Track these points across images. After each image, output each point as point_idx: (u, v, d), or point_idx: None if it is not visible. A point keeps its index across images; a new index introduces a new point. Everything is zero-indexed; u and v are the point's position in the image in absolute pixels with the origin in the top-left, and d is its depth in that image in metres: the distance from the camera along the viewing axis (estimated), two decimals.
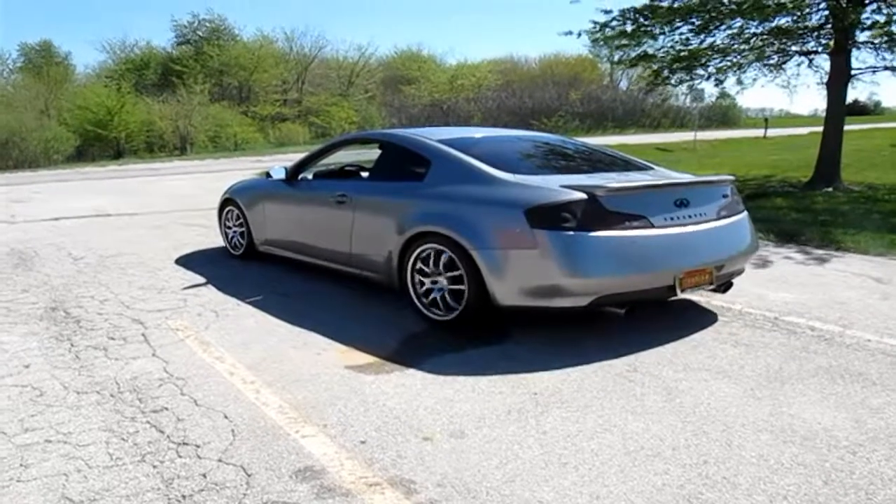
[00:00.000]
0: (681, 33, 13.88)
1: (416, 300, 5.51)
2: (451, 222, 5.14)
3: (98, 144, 36.25)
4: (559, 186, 4.87)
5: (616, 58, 35.69)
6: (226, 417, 3.72)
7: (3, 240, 10.09)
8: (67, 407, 3.95)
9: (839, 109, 13.34)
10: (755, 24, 13.11)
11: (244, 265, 7.66)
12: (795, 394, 3.90)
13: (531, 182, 5.10)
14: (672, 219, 4.93)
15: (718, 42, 13.82)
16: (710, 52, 13.82)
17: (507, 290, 4.88)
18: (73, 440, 3.52)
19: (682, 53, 13.97)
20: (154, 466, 3.21)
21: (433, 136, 6.15)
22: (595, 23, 14.22)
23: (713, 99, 41.10)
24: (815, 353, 4.58)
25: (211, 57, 46.21)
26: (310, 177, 7.30)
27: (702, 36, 13.66)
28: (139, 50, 48.18)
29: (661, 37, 14.33)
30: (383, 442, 3.40)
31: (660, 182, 5.27)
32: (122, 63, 46.89)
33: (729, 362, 4.42)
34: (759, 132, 39.05)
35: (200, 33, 48.85)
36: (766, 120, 42.73)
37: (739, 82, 14.78)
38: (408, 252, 5.48)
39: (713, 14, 12.86)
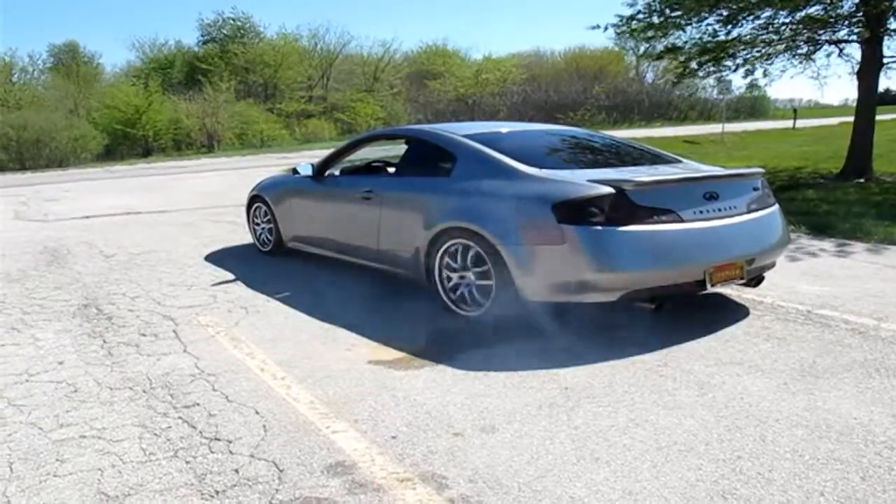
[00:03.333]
0: (708, 24, 13.72)
1: (443, 295, 5.50)
2: (477, 217, 5.12)
3: (126, 143, 36.64)
4: (586, 181, 4.80)
5: (642, 50, 35.45)
6: (257, 413, 3.73)
7: (37, 238, 10.23)
8: (101, 403, 4.00)
9: (871, 99, 13.13)
10: (785, 13, 12.92)
11: (273, 261, 7.70)
12: (830, 388, 3.84)
13: (558, 177, 5.06)
14: (701, 212, 4.87)
15: (746, 33, 13.65)
16: (737, 43, 13.65)
17: (534, 285, 4.85)
18: (107, 435, 3.56)
19: (710, 45, 13.80)
20: (187, 462, 3.23)
21: (459, 131, 6.13)
22: (620, 16, 14.10)
23: (741, 90, 40.66)
24: (849, 346, 4.51)
25: (236, 55, 46.45)
26: (337, 173, 7.30)
27: (729, 27, 13.48)
28: (168, 49, 48.57)
29: (689, 28, 14.16)
30: (414, 437, 3.39)
31: (689, 175, 5.18)
32: (149, 62, 47.30)
33: (762, 356, 4.37)
34: (788, 123, 38.54)
35: (225, 32, 49.17)
36: (795, 111, 42.12)
37: (766, 74, 14.59)
38: (435, 247, 5.46)
39: (741, 4, 12.69)
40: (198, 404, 3.89)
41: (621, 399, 3.77)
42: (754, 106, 56.26)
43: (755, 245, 5.15)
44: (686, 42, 14.50)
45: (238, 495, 2.93)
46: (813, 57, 14.10)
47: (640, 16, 13.88)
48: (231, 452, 3.30)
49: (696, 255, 4.79)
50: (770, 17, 13.22)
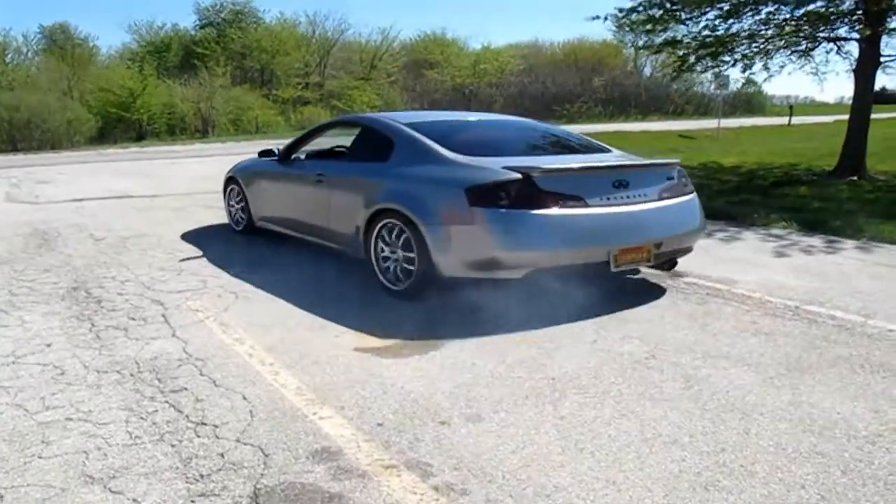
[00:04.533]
0: (708, 19, 13.70)
1: (378, 271, 5.90)
2: (405, 200, 5.57)
3: (120, 126, 36.41)
4: (500, 168, 5.20)
5: (641, 43, 35.44)
6: (244, 398, 3.74)
7: (27, 220, 10.18)
8: (88, 386, 3.99)
9: (866, 97, 13.14)
10: (787, 9, 12.90)
11: (265, 247, 7.68)
12: (815, 383, 3.87)
13: (477, 163, 5.46)
14: (608, 199, 5.26)
15: (746, 28, 13.63)
16: (737, 39, 13.63)
17: (450, 262, 5.28)
18: (93, 418, 3.56)
19: (709, 39, 13.79)
20: (172, 445, 3.24)
21: (402, 119, 6.59)
22: (621, 9, 14.07)
23: (738, 86, 40.68)
24: (835, 342, 4.53)
25: (233, 40, 46.15)
26: (303, 157, 7.57)
27: (730, 21, 13.46)
28: (165, 32, 48.23)
29: (689, 23, 14.14)
30: (400, 425, 3.40)
31: (597, 164, 5.65)
32: (145, 45, 46.98)
33: (749, 351, 4.39)
34: (784, 120, 38.63)
35: (223, 16, 48.85)
36: (790, 108, 42.20)
37: (766, 69, 14.56)
38: (371, 226, 5.87)
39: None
40: (185, 389, 3.89)
41: (608, 390, 3.78)
42: (750, 102, 56.27)
43: (663, 230, 5.51)
44: (685, 36, 14.49)
45: (223, 479, 2.93)
46: (811, 53, 14.10)
47: (641, 8, 13.85)
48: (217, 437, 3.31)
49: (600, 237, 5.17)
50: (771, 12, 13.21)
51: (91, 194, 13.21)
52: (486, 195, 5.08)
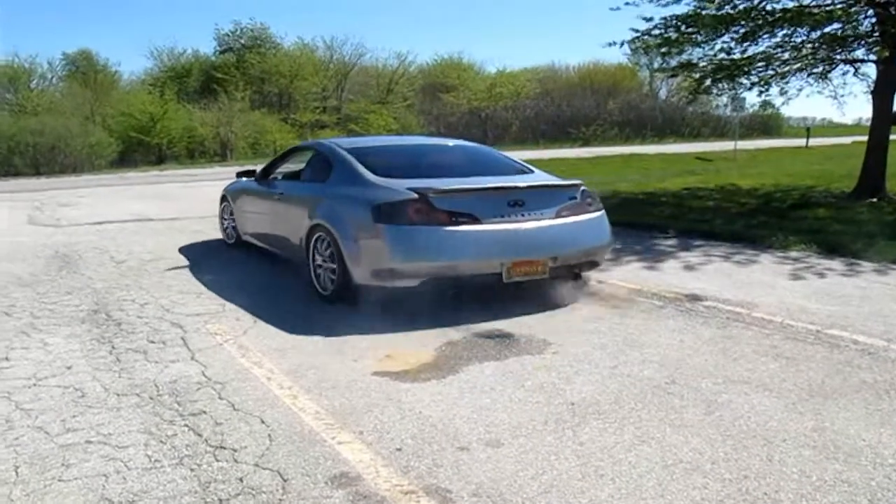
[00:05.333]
0: (724, 42, 13.68)
1: (313, 277, 6.60)
2: (330, 216, 6.32)
3: (140, 150, 36.78)
4: (405, 188, 5.85)
5: (656, 66, 35.40)
6: (263, 422, 3.73)
7: (49, 243, 10.28)
8: (108, 408, 4.01)
9: (885, 118, 13.04)
10: (803, 31, 12.87)
11: (283, 271, 7.69)
12: (839, 409, 3.81)
13: (388, 184, 6.11)
14: (502, 216, 5.82)
15: (762, 51, 13.60)
16: (753, 61, 13.61)
17: (359, 271, 5.92)
18: (112, 441, 3.57)
19: (725, 62, 13.77)
20: (192, 470, 3.23)
21: (347, 144, 7.43)
22: (636, 31, 14.07)
23: (755, 108, 40.55)
24: (858, 367, 4.48)
25: (252, 65, 46.57)
26: (279, 178, 8.36)
27: (746, 44, 13.44)
28: (185, 58, 48.75)
29: (704, 45, 14.12)
30: (419, 450, 3.39)
31: (492, 185, 6.17)
32: (166, 70, 47.51)
33: (770, 375, 4.34)
34: (802, 142, 38.40)
35: (242, 42, 49.34)
36: (808, 129, 42.02)
37: (783, 92, 14.52)
38: (310, 239, 6.56)
39: (759, 22, 12.66)
40: (204, 412, 3.90)
41: (628, 416, 3.75)
42: (767, 123, 56.02)
43: (559, 246, 6.02)
44: (701, 59, 14.47)
45: None
46: (828, 76, 14.04)
47: (656, 31, 13.84)
48: (236, 461, 3.30)
49: (492, 251, 5.73)
50: (787, 35, 13.17)
51: (112, 217, 13.33)
52: (388, 213, 5.74)
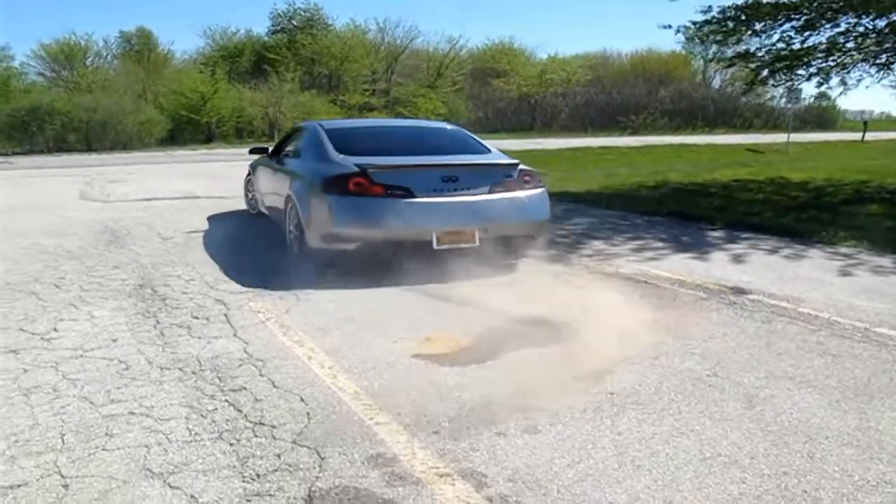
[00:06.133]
0: (783, 31, 13.37)
1: (288, 239, 7.49)
2: (296, 188, 7.28)
3: (189, 128, 37.23)
4: (353, 164, 6.58)
5: (710, 55, 34.84)
6: (302, 400, 3.77)
7: (99, 218, 10.48)
8: (151, 382, 4.08)
9: None
10: (867, 19, 12.50)
11: (326, 250, 7.73)
12: (884, 408, 3.73)
13: (343, 161, 6.82)
14: (435, 191, 6.55)
15: (824, 41, 13.26)
16: (813, 52, 13.28)
17: (312, 236, 6.74)
18: (155, 414, 3.63)
19: (784, 52, 13.46)
20: (230, 444, 3.28)
21: (329, 125, 8.16)
22: (694, 22, 13.84)
23: (810, 99, 39.62)
24: None
25: (304, 46, 46.67)
26: (286, 155, 8.91)
27: (806, 34, 13.11)
28: (238, 38, 49.09)
29: (762, 35, 13.83)
30: (456, 433, 3.39)
31: (427, 163, 6.94)
32: (219, 50, 47.89)
33: (814, 372, 4.26)
34: (857, 135, 37.50)
35: (295, 22, 49.52)
36: (865, 123, 40.96)
37: (843, 83, 14.15)
38: (287, 206, 7.46)
39: (821, 11, 12.33)
40: (244, 388, 3.94)
41: (667, 407, 3.71)
42: (822, 116, 54.79)
43: (489, 218, 6.64)
44: (759, 49, 14.18)
45: (279, 480, 2.96)
46: (892, 66, 13.64)
47: (715, 20, 13.59)
48: (274, 438, 3.34)
49: (423, 221, 6.45)
50: (851, 23, 12.82)
51: (160, 194, 13.54)
52: (334, 185, 6.53)
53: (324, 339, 4.81)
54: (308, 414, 3.60)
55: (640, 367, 4.31)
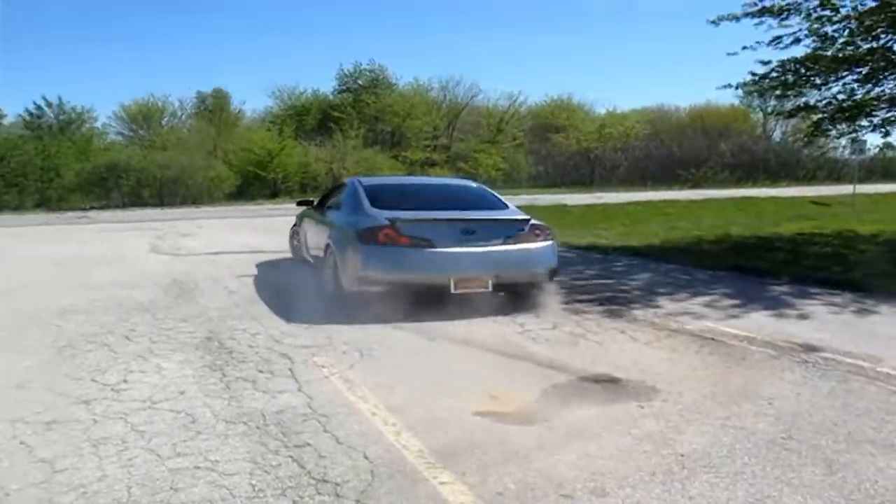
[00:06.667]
0: (845, 83, 13.18)
1: (326, 282, 8.29)
2: (334, 237, 8.25)
3: (257, 184, 38.02)
4: (384, 217, 7.49)
5: (770, 108, 34.38)
6: (366, 458, 3.74)
7: (168, 271, 10.74)
8: (216, 435, 4.11)
9: None
10: None
11: (391, 307, 7.74)
12: None
13: (376, 214, 7.70)
14: (454, 242, 7.37)
15: (887, 91, 13.02)
16: (876, 102, 13.03)
17: (347, 279, 7.58)
18: (219, 468, 3.64)
19: (846, 104, 13.25)
20: (294, 501, 3.27)
21: (367, 182, 9.04)
22: (754, 74, 13.73)
23: (875, 150, 38.63)
24: None
25: (368, 104, 47.63)
26: (329, 207, 9.68)
27: (869, 85, 12.90)
28: (305, 97, 50.47)
29: (823, 87, 13.65)
30: (522, 495, 3.32)
31: (449, 217, 7.73)
32: (286, 108, 49.24)
33: None
34: None
35: (360, 82, 50.71)
36: None
37: None
38: (326, 254, 8.39)
39: (884, 62, 12.14)
40: (308, 444, 3.94)
41: (741, 472, 3.58)
42: (889, 167, 53.35)
43: (500, 267, 7.47)
44: (820, 101, 13.98)
45: None
46: None
47: (774, 74, 13.47)
48: (338, 496, 3.31)
49: (442, 268, 7.29)
50: None
51: (227, 248, 13.82)
52: (366, 235, 7.42)
53: (388, 395, 4.79)
54: (372, 472, 3.57)
55: (710, 427, 4.19)
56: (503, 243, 7.54)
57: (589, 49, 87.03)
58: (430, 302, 7.28)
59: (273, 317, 7.31)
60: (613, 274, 10.17)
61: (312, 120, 47.83)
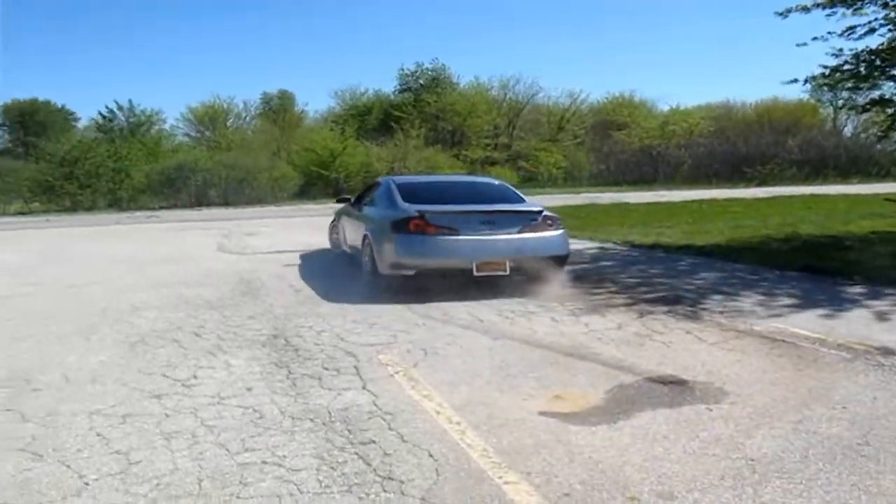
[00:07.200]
0: None
1: (363, 268, 9.34)
2: (371, 228, 9.21)
3: (319, 183, 38.47)
4: (414, 210, 8.47)
5: (842, 102, 33.44)
6: (430, 456, 3.75)
7: (235, 270, 10.94)
8: (283, 431, 4.16)
9: None
10: None
11: (452, 306, 7.75)
12: None
13: (407, 207, 8.66)
14: (476, 230, 8.40)
15: None
16: None
17: (381, 264, 8.59)
18: (287, 464, 3.69)
19: None
20: (360, 498, 3.29)
21: (400, 180, 10.37)
22: (825, 66, 13.32)
23: None
24: None
25: (429, 104, 47.92)
26: (365, 202, 10.72)
27: None
28: (367, 98, 51.02)
29: None
30: (588, 497, 3.28)
31: (472, 209, 8.75)
32: (348, 109, 49.82)
33: None
34: None
35: (421, 81, 51.01)
36: None
37: None
38: (364, 242, 9.32)
39: None
40: (374, 441, 3.97)
41: (814, 477, 3.48)
42: None
43: (517, 253, 8.44)
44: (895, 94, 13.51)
45: None
46: None
47: (847, 66, 13.05)
48: (403, 493, 3.33)
49: (466, 253, 8.29)
50: None
51: (292, 247, 14.02)
52: (399, 225, 8.43)
53: (452, 393, 4.80)
54: (437, 470, 3.57)
55: (782, 431, 4.08)
56: (519, 232, 8.53)
57: (652, 45, 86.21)
58: (492, 303, 7.26)
59: (337, 315, 7.38)
60: (678, 273, 10.01)
61: (374, 120, 48.29)
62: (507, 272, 8.33)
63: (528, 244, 8.53)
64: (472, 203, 9.14)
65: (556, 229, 8.83)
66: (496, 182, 11.32)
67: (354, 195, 12.00)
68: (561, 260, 8.88)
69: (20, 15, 74.84)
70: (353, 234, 10.46)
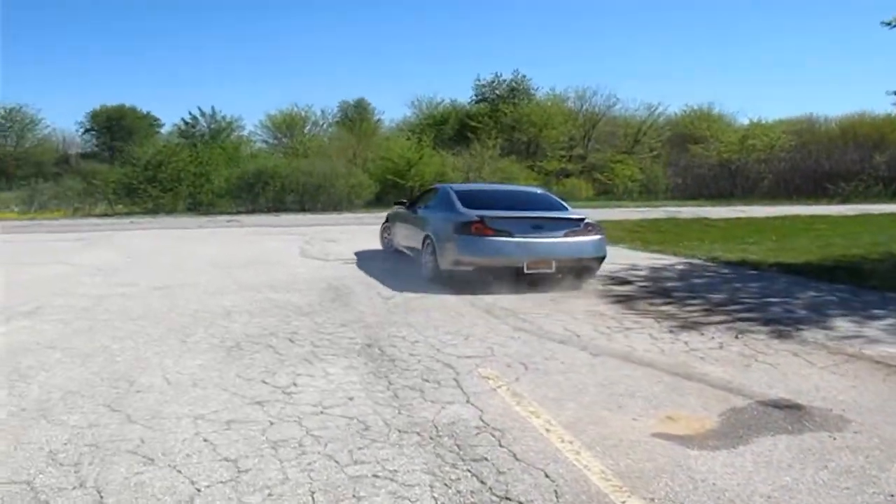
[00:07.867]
0: None
1: (423, 267, 10.63)
2: (433, 230, 10.37)
3: (394, 192, 38.57)
4: (474, 214, 9.66)
5: None
6: (547, 476, 3.63)
7: (321, 275, 10.99)
8: (391, 444, 4.09)
9: None
10: None
11: (547, 320, 7.60)
12: None
13: (467, 212, 9.87)
14: (526, 234, 9.51)
15: None
16: None
17: (444, 262, 9.80)
18: (398, 479, 3.62)
19: None
20: None
21: (457, 187, 11.45)
22: None
23: None
24: None
25: (505, 114, 47.93)
26: (420, 206, 12.01)
27: None
28: (443, 107, 51.36)
29: None
30: None
31: (523, 215, 9.88)
32: (424, 118, 50.16)
33: None
34: None
35: (498, 92, 51.06)
36: None
37: None
38: (424, 243, 10.60)
39: None
40: (485, 459, 3.86)
41: None
42: None
43: (561, 253, 9.63)
44: None
45: None
46: None
47: None
48: None
49: (518, 253, 9.41)
50: None
51: (373, 254, 14.04)
52: (461, 227, 9.59)
53: (559, 411, 4.67)
54: (556, 492, 3.45)
55: None
56: (564, 236, 9.71)
57: (732, 57, 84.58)
58: (587, 317, 7.09)
59: (430, 326, 7.30)
60: (773, 292, 9.66)
61: (450, 129, 48.51)
62: (553, 270, 9.52)
63: (572, 247, 9.70)
64: (521, 209, 10.25)
65: (596, 234, 9.99)
66: (539, 191, 12.72)
67: (411, 199, 13.33)
68: (599, 261, 10.08)
69: (113, 27, 77.86)
70: (410, 234, 11.86)
